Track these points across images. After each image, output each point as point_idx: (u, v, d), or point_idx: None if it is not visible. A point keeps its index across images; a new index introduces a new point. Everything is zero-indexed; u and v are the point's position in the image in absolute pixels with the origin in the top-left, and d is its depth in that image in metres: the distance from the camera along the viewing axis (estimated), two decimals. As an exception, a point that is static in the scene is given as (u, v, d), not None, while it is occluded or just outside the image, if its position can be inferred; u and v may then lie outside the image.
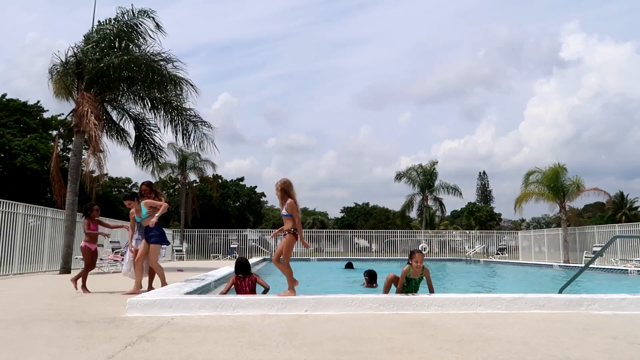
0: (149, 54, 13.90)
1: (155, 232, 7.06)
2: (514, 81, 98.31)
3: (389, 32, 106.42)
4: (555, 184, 23.13)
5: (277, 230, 6.58)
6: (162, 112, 14.84)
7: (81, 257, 8.12)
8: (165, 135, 15.78)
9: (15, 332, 4.12)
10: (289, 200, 5.62)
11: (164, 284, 6.99)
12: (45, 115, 34.97)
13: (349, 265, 15.96)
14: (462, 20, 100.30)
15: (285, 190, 5.66)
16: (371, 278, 9.23)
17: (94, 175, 14.03)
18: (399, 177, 37.49)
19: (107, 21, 14.36)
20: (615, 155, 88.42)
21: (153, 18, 13.99)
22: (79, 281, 7.48)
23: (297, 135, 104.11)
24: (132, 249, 7.36)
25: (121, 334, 4.03)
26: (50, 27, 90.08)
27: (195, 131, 15.22)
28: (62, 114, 26.81)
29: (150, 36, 14.12)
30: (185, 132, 15.10)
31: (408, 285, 6.23)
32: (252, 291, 6.57)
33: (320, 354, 3.36)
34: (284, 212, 5.68)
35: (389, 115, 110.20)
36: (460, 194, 37.34)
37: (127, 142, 15.90)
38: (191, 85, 14.35)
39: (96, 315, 5.05)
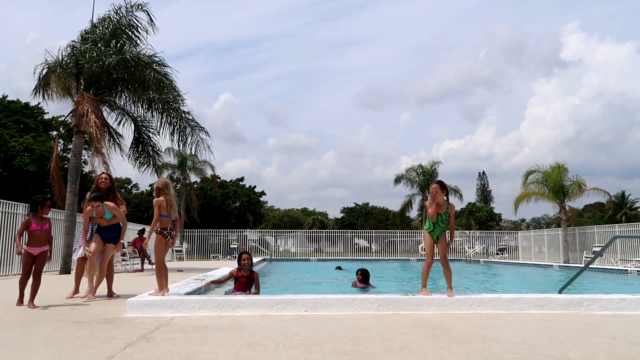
0: (145, 55, 13.90)
1: (116, 234, 6.84)
2: (515, 81, 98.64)
3: (389, 32, 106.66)
4: (555, 183, 23.14)
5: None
6: (159, 113, 14.78)
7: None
8: (162, 138, 15.60)
9: (15, 333, 4.12)
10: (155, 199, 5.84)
11: (99, 283, 6.69)
12: (46, 117, 34.99)
13: (338, 269, 15.83)
14: (462, 20, 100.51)
15: (160, 189, 5.83)
16: (364, 277, 8.92)
17: (92, 175, 13.98)
18: (398, 179, 37.49)
19: (103, 19, 14.31)
20: (615, 156, 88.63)
21: (147, 12, 13.96)
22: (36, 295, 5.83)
23: (297, 136, 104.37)
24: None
25: (121, 334, 4.03)
26: (50, 26, 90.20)
27: (192, 135, 15.17)
28: (63, 115, 26.82)
29: (145, 32, 14.12)
30: (181, 134, 15.02)
31: (435, 227, 5.91)
32: (247, 288, 6.64)
33: (319, 354, 3.36)
34: None
35: (389, 116, 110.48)
36: (461, 196, 37.32)
37: (119, 144, 15.73)
38: (177, 93, 14.41)
39: (96, 315, 5.05)
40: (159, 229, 5.76)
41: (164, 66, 14.12)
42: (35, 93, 14.30)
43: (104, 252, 6.72)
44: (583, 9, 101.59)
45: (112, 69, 13.20)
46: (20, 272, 11.66)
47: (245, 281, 6.69)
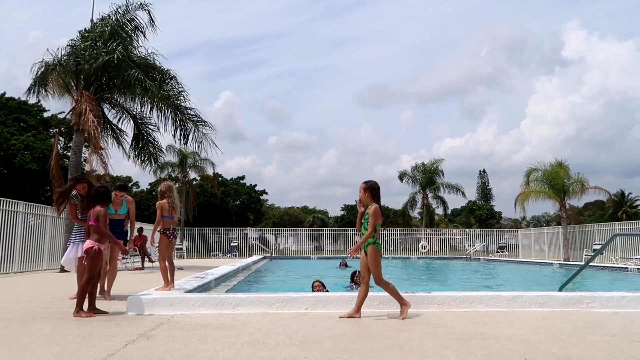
0: (137, 54, 13.94)
1: (124, 231, 6.77)
2: (516, 80, 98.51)
3: (390, 29, 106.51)
4: (557, 182, 23.13)
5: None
6: (158, 109, 14.73)
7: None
8: (162, 135, 15.55)
9: (16, 331, 4.12)
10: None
11: (111, 283, 6.57)
12: (46, 115, 34.94)
13: (344, 264, 15.77)
14: (463, 18, 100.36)
15: (164, 192, 6.17)
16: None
17: (94, 173, 13.95)
18: (402, 176, 37.63)
19: (103, 17, 14.29)
20: (615, 154, 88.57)
21: (148, 11, 13.94)
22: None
23: (298, 134, 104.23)
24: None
25: (121, 332, 4.04)
26: (50, 24, 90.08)
27: (195, 131, 15.12)
28: (63, 112, 26.79)
29: (146, 31, 14.12)
30: (182, 131, 14.96)
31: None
32: None
33: (320, 352, 3.37)
34: None
35: (390, 114, 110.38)
36: (463, 193, 37.43)
37: (120, 142, 15.67)
38: (173, 89, 14.39)
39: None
40: (162, 229, 6.04)
41: (148, 57, 14.10)
42: (31, 91, 14.19)
43: (112, 255, 6.54)
44: (584, 7, 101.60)
45: (102, 67, 13.16)
46: (20, 270, 11.69)
47: None
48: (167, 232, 6.06)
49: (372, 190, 4.97)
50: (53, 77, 13.84)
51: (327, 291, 7.73)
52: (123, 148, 15.66)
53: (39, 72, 13.85)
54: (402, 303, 4.92)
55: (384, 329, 4.30)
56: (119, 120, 15.48)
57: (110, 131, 15.42)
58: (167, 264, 6.12)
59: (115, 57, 12.84)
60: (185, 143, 15.32)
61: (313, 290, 7.46)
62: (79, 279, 6.28)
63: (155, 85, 13.74)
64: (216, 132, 15.48)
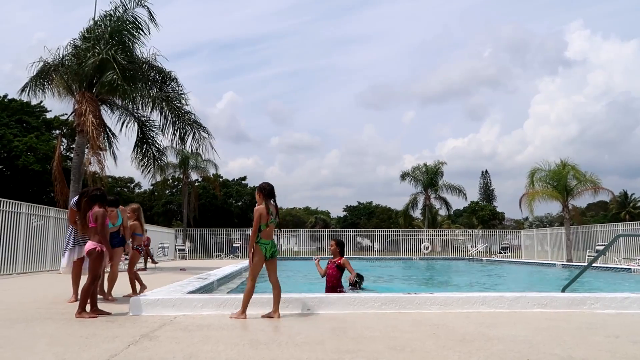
0: (145, 53, 14.05)
1: (120, 238, 6.77)
2: (519, 80, 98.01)
3: (392, 30, 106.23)
4: (560, 182, 23.04)
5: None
6: (159, 112, 14.70)
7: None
8: (163, 139, 15.51)
9: (19, 331, 4.14)
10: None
11: (111, 286, 6.56)
12: (49, 116, 35.04)
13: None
14: (466, 19, 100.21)
15: (135, 212, 7.13)
16: (360, 279, 9.00)
17: (96, 175, 13.94)
18: (404, 176, 37.62)
19: (104, 17, 14.29)
20: (619, 154, 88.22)
21: (147, 7, 13.91)
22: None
23: (300, 135, 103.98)
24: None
25: (124, 332, 4.05)
26: (52, 25, 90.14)
27: (192, 134, 15.05)
28: (66, 114, 26.84)
29: (147, 29, 14.15)
30: (181, 134, 14.89)
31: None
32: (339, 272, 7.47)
33: (322, 352, 3.37)
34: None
35: (392, 114, 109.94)
36: (465, 195, 37.35)
37: (111, 144, 15.64)
38: (170, 93, 14.44)
39: (99, 314, 5.06)
40: (135, 246, 6.93)
41: (150, 57, 14.17)
42: (25, 90, 14.14)
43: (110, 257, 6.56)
44: (586, 7, 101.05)
45: (99, 68, 13.17)
46: (23, 270, 11.73)
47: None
48: (140, 249, 7.03)
49: (262, 191, 5.03)
50: (55, 78, 13.88)
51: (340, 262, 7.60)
52: (112, 154, 15.68)
53: (37, 71, 13.89)
54: (243, 310, 4.85)
55: (386, 329, 4.29)
56: (123, 123, 15.44)
57: (104, 134, 15.37)
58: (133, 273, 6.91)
59: (100, 58, 12.80)
60: (183, 144, 15.32)
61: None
62: (75, 281, 6.33)
63: (139, 87, 13.74)
64: (213, 138, 15.40)
